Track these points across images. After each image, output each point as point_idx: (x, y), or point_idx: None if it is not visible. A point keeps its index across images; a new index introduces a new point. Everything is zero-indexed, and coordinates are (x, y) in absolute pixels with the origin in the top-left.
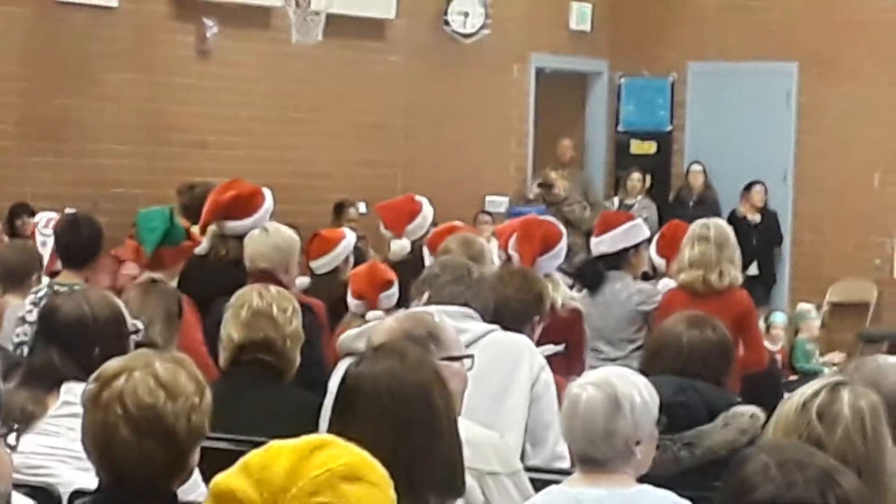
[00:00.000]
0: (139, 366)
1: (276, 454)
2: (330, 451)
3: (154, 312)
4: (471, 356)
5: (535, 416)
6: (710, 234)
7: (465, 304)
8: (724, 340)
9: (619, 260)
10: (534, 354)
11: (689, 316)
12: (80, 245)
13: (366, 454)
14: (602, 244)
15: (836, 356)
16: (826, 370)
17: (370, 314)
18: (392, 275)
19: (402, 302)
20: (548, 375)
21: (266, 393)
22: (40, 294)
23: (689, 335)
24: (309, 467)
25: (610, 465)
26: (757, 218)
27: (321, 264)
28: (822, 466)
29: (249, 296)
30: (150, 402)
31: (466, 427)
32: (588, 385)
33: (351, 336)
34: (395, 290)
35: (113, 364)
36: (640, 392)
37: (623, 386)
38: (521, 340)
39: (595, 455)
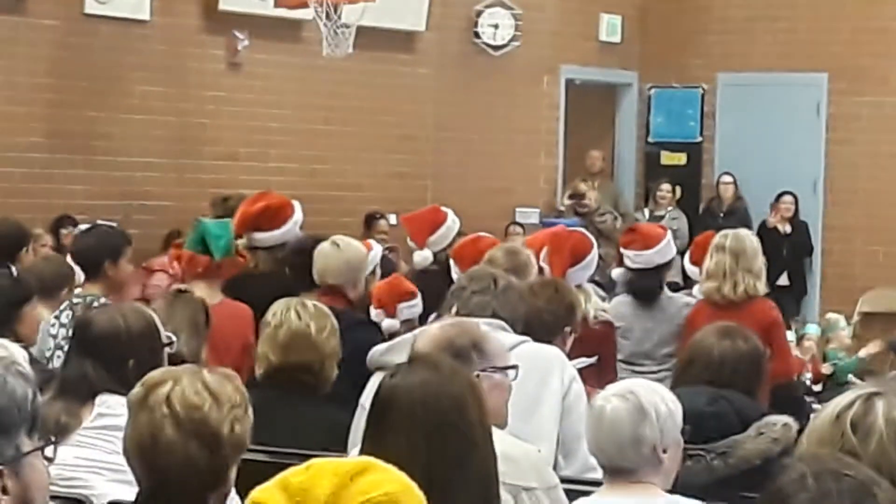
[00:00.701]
0: (187, 373)
1: (317, 477)
2: (370, 478)
3: (179, 323)
4: (515, 367)
5: (566, 428)
6: (726, 244)
7: (493, 314)
8: (755, 351)
9: (662, 272)
10: (565, 366)
11: (721, 327)
12: (83, 252)
13: (406, 480)
14: (659, 255)
15: (873, 346)
16: (862, 355)
17: (386, 323)
18: (413, 287)
19: (426, 312)
20: (579, 387)
21: (298, 408)
22: (61, 307)
23: (721, 346)
24: (349, 495)
25: (639, 473)
26: (787, 228)
27: None
28: (858, 478)
29: (288, 315)
30: (197, 403)
31: (504, 441)
32: (612, 396)
33: (380, 350)
34: (416, 301)
35: (159, 372)
36: (663, 400)
37: (647, 394)
38: (552, 352)
39: (623, 464)
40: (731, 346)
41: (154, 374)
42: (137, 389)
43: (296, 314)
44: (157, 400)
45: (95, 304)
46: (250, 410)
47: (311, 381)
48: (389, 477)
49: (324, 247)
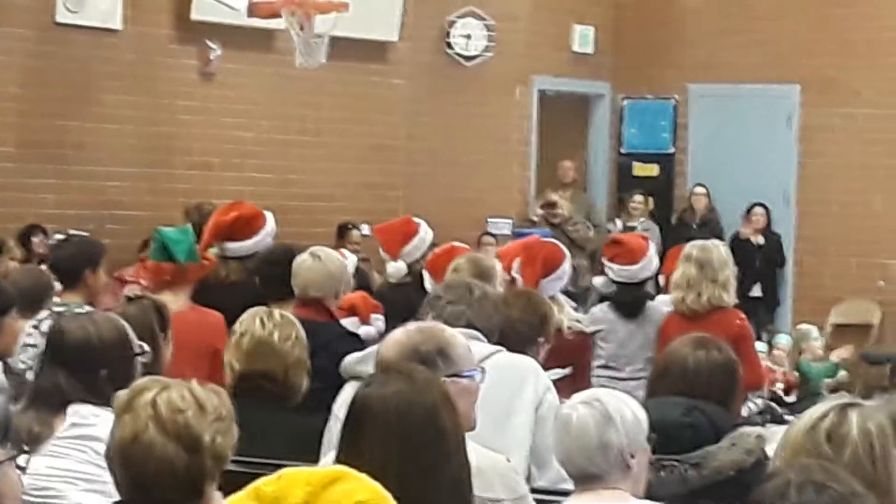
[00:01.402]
0: (175, 383)
1: (290, 485)
2: (343, 487)
3: (130, 328)
4: (482, 368)
5: (539, 438)
6: (693, 254)
7: (468, 324)
8: (729, 361)
9: (646, 285)
10: (539, 376)
11: (695, 338)
12: (63, 262)
13: (378, 488)
14: (644, 269)
15: (844, 351)
16: (833, 359)
17: (362, 330)
18: (377, 302)
19: (392, 326)
20: (553, 397)
21: (267, 419)
22: (40, 317)
23: (695, 356)
24: None
25: (607, 479)
26: (760, 240)
27: None
28: (840, 491)
29: (251, 323)
30: (182, 406)
31: (474, 452)
32: (578, 405)
33: (354, 360)
34: (381, 316)
35: (148, 379)
36: (629, 406)
37: (612, 401)
38: (525, 362)
39: (592, 470)
40: (706, 356)
41: (142, 381)
42: (124, 393)
43: (260, 322)
44: (142, 403)
45: (79, 312)
46: (235, 428)
47: (274, 390)
48: (362, 485)
49: (304, 259)
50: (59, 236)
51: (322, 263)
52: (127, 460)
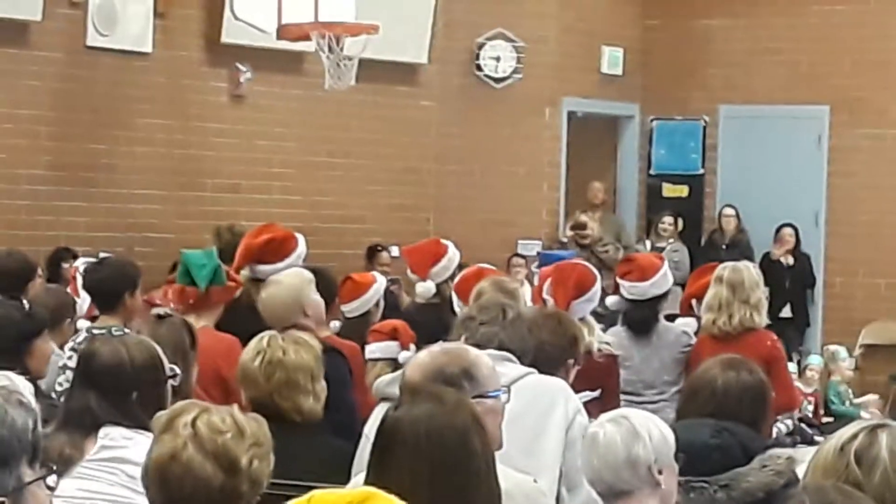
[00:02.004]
0: (216, 408)
1: None
2: None
3: (163, 349)
4: (507, 389)
5: (569, 461)
6: (724, 276)
7: (500, 345)
8: (760, 383)
9: (658, 303)
10: (569, 397)
11: (725, 359)
12: (99, 285)
13: None
14: (655, 287)
15: (872, 399)
16: (862, 412)
17: (402, 355)
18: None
19: (420, 346)
20: (583, 419)
21: (287, 443)
22: (79, 340)
23: (725, 377)
24: None
25: (637, 495)
26: (790, 261)
27: (352, 308)
28: None
29: (244, 353)
30: (222, 428)
31: (499, 473)
32: (605, 423)
33: (385, 381)
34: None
35: (189, 402)
36: (656, 425)
37: (639, 419)
38: (556, 383)
39: (621, 486)
40: (736, 377)
41: (183, 403)
42: (164, 413)
43: (248, 351)
44: (182, 423)
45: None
46: (272, 457)
47: (277, 415)
48: None
49: (262, 295)
50: (88, 259)
51: (280, 286)
52: (164, 478)
